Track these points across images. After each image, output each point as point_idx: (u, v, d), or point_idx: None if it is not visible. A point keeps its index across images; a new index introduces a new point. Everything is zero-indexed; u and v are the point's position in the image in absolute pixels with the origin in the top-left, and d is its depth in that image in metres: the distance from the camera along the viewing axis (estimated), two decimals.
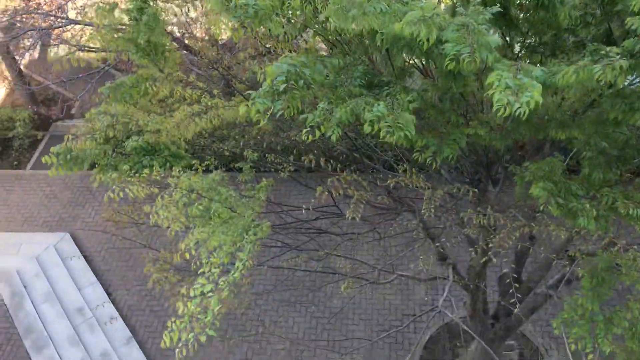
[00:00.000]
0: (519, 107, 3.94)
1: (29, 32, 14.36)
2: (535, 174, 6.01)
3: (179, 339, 5.49)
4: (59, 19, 13.84)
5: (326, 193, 6.55)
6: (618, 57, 4.21)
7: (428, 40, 4.22)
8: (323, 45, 6.07)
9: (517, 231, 6.25)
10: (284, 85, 4.32)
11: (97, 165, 6.76)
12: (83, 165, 6.42)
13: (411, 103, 4.49)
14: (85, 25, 13.63)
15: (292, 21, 5.12)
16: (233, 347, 12.42)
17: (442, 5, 6.53)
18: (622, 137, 5.91)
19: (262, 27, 5.23)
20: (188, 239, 6.06)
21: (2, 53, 16.82)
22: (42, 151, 17.71)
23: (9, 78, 17.53)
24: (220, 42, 14.17)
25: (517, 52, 6.08)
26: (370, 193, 6.71)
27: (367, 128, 4.30)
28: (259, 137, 8.98)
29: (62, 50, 16.11)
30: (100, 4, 6.26)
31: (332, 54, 5.33)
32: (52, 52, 17.75)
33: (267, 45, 6.79)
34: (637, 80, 5.15)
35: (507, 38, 5.92)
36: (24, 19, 14.66)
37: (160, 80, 6.19)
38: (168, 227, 6.43)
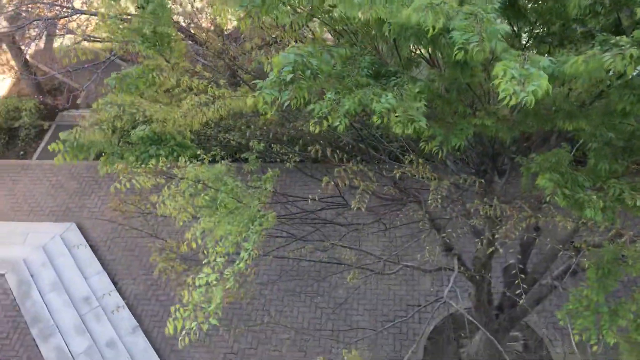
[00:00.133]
0: (525, 96, 3.92)
1: (34, 22, 14.37)
2: (541, 165, 5.99)
3: (183, 327, 5.52)
4: (64, 9, 13.84)
5: (332, 183, 6.55)
6: (628, 46, 4.18)
7: (434, 27, 4.19)
8: (329, 36, 6.05)
9: (524, 222, 6.24)
10: (290, 76, 4.31)
11: (103, 154, 6.78)
12: (89, 153, 6.43)
13: (419, 94, 4.47)
14: (91, 15, 13.62)
15: (299, 10, 5.09)
16: (238, 336, 12.50)
17: None
18: (629, 128, 5.88)
19: (268, 16, 5.22)
20: (194, 228, 6.08)
21: (8, 43, 16.83)
22: (48, 141, 17.76)
23: (15, 68, 17.56)
24: (225, 33, 14.15)
25: (524, 42, 6.04)
26: (376, 184, 6.71)
27: (376, 120, 4.28)
28: (264, 128, 8.99)
29: (68, 40, 16.12)
30: None
31: (339, 43, 5.31)
32: (58, 42, 17.75)
33: (273, 35, 6.77)
34: None
35: (515, 28, 5.89)
36: (30, 9, 14.66)
37: (167, 70, 6.18)
38: (175, 218, 6.45)
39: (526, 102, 3.90)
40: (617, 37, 4.35)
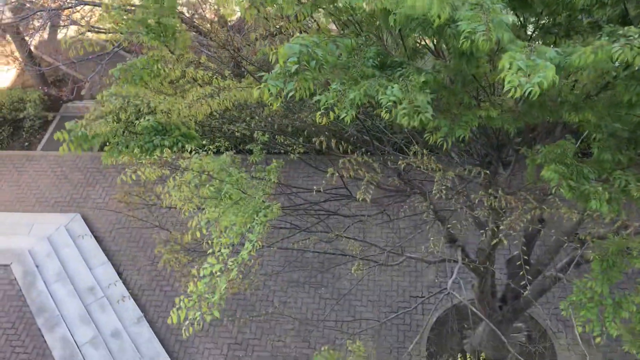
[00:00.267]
0: (530, 87, 3.90)
1: (38, 13, 14.36)
2: (546, 156, 5.98)
3: (186, 317, 5.55)
4: (68, 0, 13.81)
5: (336, 175, 6.55)
6: (637, 36, 4.15)
7: (440, 17, 4.17)
8: (334, 27, 6.03)
9: (528, 214, 6.23)
10: (295, 67, 4.30)
11: (107, 144, 6.78)
12: (93, 143, 6.44)
13: (425, 84, 4.46)
14: (95, 5, 13.60)
15: (304, 1, 5.08)
16: (242, 326, 12.57)
17: None
18: (635, 119, 5.86)
19: (273, 6, 5.20)
20: (199, 218, 6.10)
21: (12, 34, 16.83)
22: (53, 132, 17.80)
23: (19, 59, 17.56)
24: (229, 24, 14.12)
25: (530, 33, 6.00)
26: (380, 175, 6.71)
27: (384, 115, 4.27)
28: (269, 119, 8.98)
29: (72, 31, 16.11)
30: None
31: (344, 34, 5.29)
32: (62, 33, 17.74)
33: (278, 26, 6.75)
34: None
35: (521, 19, 5.85)
36: (34, 0, 14.65)
37: (171, 61, 6.18)
38: (180, 209, 6.47)
39: (531, 93, 3.89)
40: (625, 28, 4.32)
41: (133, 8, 6.54)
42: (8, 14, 15.93)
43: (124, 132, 6.68)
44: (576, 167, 5.76)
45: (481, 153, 8.05)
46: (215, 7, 13.95)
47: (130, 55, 16.76)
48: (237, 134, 9.50)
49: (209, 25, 11.91)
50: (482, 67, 5.27)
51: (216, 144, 8.64)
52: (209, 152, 7.22)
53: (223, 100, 6.23)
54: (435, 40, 5.77)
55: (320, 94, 4.44)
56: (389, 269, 13.19)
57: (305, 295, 13.09)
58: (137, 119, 6.76)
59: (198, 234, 6.26)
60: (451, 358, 10.44)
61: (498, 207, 6.68)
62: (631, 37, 4.16)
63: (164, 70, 6.02)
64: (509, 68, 4.02)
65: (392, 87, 4.29)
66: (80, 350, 12.35)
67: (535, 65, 4.06)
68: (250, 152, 8.61)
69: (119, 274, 13.80)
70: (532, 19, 5.90)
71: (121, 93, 6.45)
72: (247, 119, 9.14)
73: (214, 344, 12.39)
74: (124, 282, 13.62)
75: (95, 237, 14.60)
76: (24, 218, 15.21)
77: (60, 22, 16.46)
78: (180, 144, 6.67)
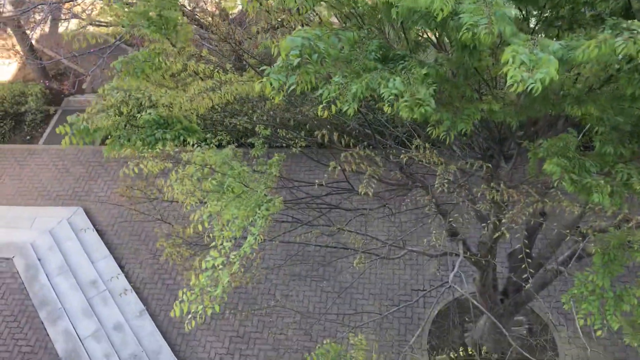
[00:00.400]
0: (532, 84, 3.89)
1: (39, 6, 14.33)
2: (549, 150, 5.97)
3: (189, 311, 5.57)
4: None
5: (338, 168, 6.55)
6: None
7: (442, 10, 4.15)
8: (336, 20, 6.01)
9: (530, 207, 6.23)
10: (298, 60, 4.28)
11: (109, 137, 6.79)
12: (95, 136, 6.44)
13: (427, 77, 4.45)
14: None
15: None
16: (244, 319, 12.61)
17: None
18: (637, 112, 5.84)
19: None
20: (201, 211, 6.11)
21: (13, 27, 16.81)
22: (55, 126, 17.81)
23: (21, 52, 17.55)
24: (231, 17, 14.09)
25: (533, 26, 5.98)
26: (382, 169, 6.71)
27: (387, 109, 4.26)
28: (271, 113, 8.98)
29: (73, 24, 16.08)
30: None
31: (346, 27, 5.28)
32: (63, 26, 17.72)
33: (280, 19, 6.73)
34: None
35: (524, 12, 5.83)
36: None
37: (173, 55, 6.17)
38: (182, 202, 6.48)
39: (533, 89, 3.88)
40: (629, 21, 4.30)
41: (134, 1, 6.53)
42: (9, 7, 15.91)
43: (125, 125, 6.68)
44: (578, 161, 5.76)
45: (483, 146, 8.04)
46: (216, 0, 13.92)
47: (131, 48, 16.75)
48: (238, 127, 9.50)
49: (210, 18, 11.89)
50: (485, 60, 5.26)
51: (218, 137, 8.64)
52: (212, 145, 7.22)
53: (224, 94, 6.23)
54: (437, 33, 5.76)
55: (322, 88, 4.43)
56: (391, 262, 13.22)
57: (307, 288, 13.12)
58: (138, 112, 6.77)
59: (200, 228, 6.27)
60: (452, 351, 10.47)
61: (500, 201, 6.68)
62: (635, 31, 4.14)
63: (165, 64, 6.01)
64: (512, 62, 4.01)
65: (394, 80, 4.28)
66: (82, 344, 12.40)
67: (538, 60, 4.04)
68: (252, 145, 8.61)
69: (121, 268, 13.84)
70: (535, 12, 5.88)
71: (122, 87, 6.45)
72: (249, 112, 9.14)
73: (216, 337, 12.44)
74: (126, 276, 13.67)
75: (97, 231, 14.64)
76: (26, 212, 15.24)
77: (61, 15, 16.43)
78: (182, 138, 6.68)
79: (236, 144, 8.21)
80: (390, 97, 4.25)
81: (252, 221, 5.88)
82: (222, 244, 5.82)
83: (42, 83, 17.98)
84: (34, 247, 14.24)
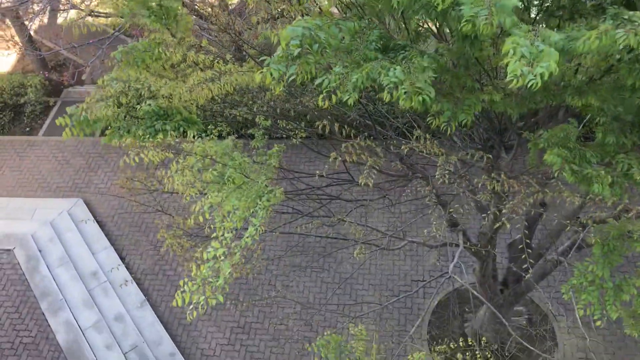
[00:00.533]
0: (532, 79, 3.89)
1: None
2: (549, 140, 5.97)
3: (190, 301, 5.59)
4: None
5: (339, 159, 6.55)
6: None
7: (443, 0, 4.14)
8: (336, 10, 5.99)
9: (531, 197, 6.24)
10: (298, 50, 4.27)
11: (109, 128, 6.79)
12: (96, 126, 6.43)
13: (427, 67, 4.43)
14: None
15: None
16: (245, 310, 12.66)
17: None
18: (638, 102, 5.84)
19: None
20: (202, 202, 6.11)
21: (12, 18, 16.74)
22: (54, 117, 17.79)
23: (19, 43, 17.49)
24: (230, 7, 14.03)
25: (534, 15, 5.96)
26: (383, 159, 6.71)
27: (386, 96, 4.25)
28: (271, 103, 8.96)
29: (72, 15, 16.01)
30: None
31: (347, 17, 5.26)
32: (62, 17, 17.64)
33: (280, 9, 6.71)
34: None
35: (525, 1, 5.80)
36: None
37: (173, 45, 6.15)
38: (182, 194, 6.49)
39: (532, 85, 3.88)
40: (630, 13, 4.28)
41: None
42: None
43: (125, 116, 6.67)
44: (579, 151, 5.76)
45: (483, 137, 8.04)
46: None
47: (131, 39, 16.69)
48: (238, 118, 9.49)
49: (209, 8, 11.85)
50: (486, 50, 5.24)
51: (218, 128, 8.62)
52: (212, 136, 7.21)
53: (224, 85, 6.21)
54: (438, 24, 5.74)
55: (322, 77, 4.42)
56: (391, 253, 13.25)
57: (308, 279, 13.16)
58: (138, 103, 6.76)
59: (201, 219, 6.28)
60: (452, 341, 10.52)
61: (500, 191, 6.69)
62: (636, 23, 4.12)
63: (165, 54, 5.99)
64: (512, 54, 4.00)
65: (395, 69, 4.27)
66: (83, 334, 12.46)
67: (538, 53, 4.03)
68: (252, 136, 8.60)
69: (122, 259, 13.87)
70: (536, 2, 5.86)
71: (122, 77, 6.43)
72: (249, 103, 9.12)
73: (217, 328, 12.49)
74: (127, 267, 13.70)
75: (98, 222, 14.66)
76: (26, 203, 15.25)
77: (60, 6, 16.35)
78: (181, 129, 6.67)
79: (236, 135, 8.21)
80: (390, 85, 4.24)
81: (253, 212, 5.89)
82: (223, 235, 5.83)
83: (41, 74, 17.93)
84: (35, 239, 14.26)
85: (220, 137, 7.83)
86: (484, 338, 11.07)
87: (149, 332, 12.49)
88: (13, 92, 17.51)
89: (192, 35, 6.93)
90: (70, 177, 15.93)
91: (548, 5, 5.82)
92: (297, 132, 9.06)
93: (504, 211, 6.92)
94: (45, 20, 19.81)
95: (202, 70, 6.41)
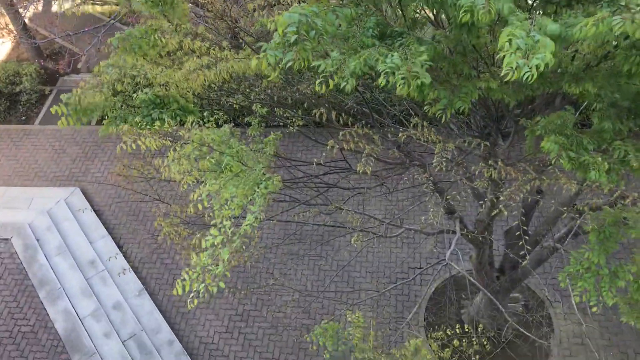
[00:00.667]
0: (528, 71, 3.90)
1: None
2: (546, 127, 5.97)
3: (191, 289, 5.61)
4: None
5: (336, 147, 6.54)
6: (638, 8, 4.12)
7: None
8: None
9: (528, 184, 6.26)
10: (295, 37, 4.26)
11: (106, 118, 6.77)
12: (92, 115, 6.41)
13: (424, 54, 4.43)
14: None
15: None
16: (243, 298, 12.71)
17: None
18: (634, 88, 5.85)
19: None
20: (200, 190, 6.11)
21: (6, 6, 16.61)
22: (50, 106, 17.71)
23: (14, 32, 17.36)
24: None
25: (531, 2, 5.94)
26: (380, 147, 6.71)
27: (381, 81, 4.24)
28: (268, 91, 8.93)
29: (67, 3, 15.88)
30: None
31: (344, 3, 5.23)
32: (57, 4, 17.49)
33: None
34: None
35: None
36: None
37: (169, 31, 6.11)
38: (179, 182, 6.48)
39: (527, 77, 3.89)
40: None
41: None
42: None
43: (121, 105, 6.66)
44: (576, 138, 5.77)
45: (480, 125, 8.04)
46: None
47: (127, 27, 16.58)
48: (235, 106, 9.46)
49: None
50: (483, 37, 5.24)
51: (215, 116, 8.60)
52: (210, 124, 7.19)
53: (220, 71, 6.19)
54: (435, 11, 5.71)
55: (319, 62, 4.40)
56: (388, 240, 13.29)
57: (305, 267, 13.21)
58: (134, 92, 6.74)
59: (200, 207, 6.28)
60: (449, 328, 10.59)
61: (497, 178, 6.70)
62: (633, 10, 4.12)
63: (162, 40, 5.96)
64: (509, 47, 4.00)
65: (392, 56, 4.26)
66: (82, 323, 12.50)
67: (534, 44, 4.03)
68: (249, 124, 8.59)
69: (120, 247, 13.89)
70: None
71: (118, 64, 6.41)
72: (246, 91, 9.09)
73: (215, 316, 12.55)
74: (125, 255, 13.73)
75: (95, 211, 14.66)
76: (23, 192, 15.24)
77: None
78: (178, 118, 6.66)
79: (233, 124, 8.19)
80: (387, 71, 4.23)
81: (251, 200, 5.90)
82: (222, 223, 5.84)
83: (36, 63, 17.83)
84: (32, 228, 14.26)
85: (217, 125, 7.82)
86: (480, 324, 11.15)
87: (147, 320, 12.54)
88: (8, 81, 17.41)
89: (189, 22, 6.89)
90: (67, 166, 15.91)
91: None
92: (294, 120, 9.03)
93: (501, 198, 6.94)
94: (40, 7, 19.66)
95: (199, 57, 6.39)
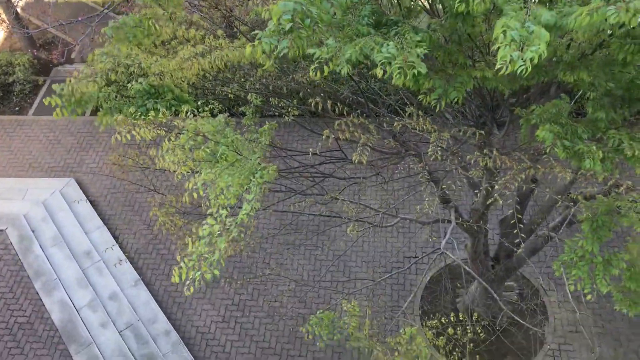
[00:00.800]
0: (522, 65, 3.91)
1: None
2: (541, 116, 5.99)
3: (187, 277, 5.61)
4: None
5: (332, 137, 6.54)
6: None
7: None
8: None
9: (523, 173, 6.28)
10: (290, 25, 4.24)
11: (101, 109, 6.74)
12: (86, 106, 6.38)
13: (420, 43, 4.42)
14: None
15: None
16: (239, 288, 12.74)
17: None
18: (628, 76, 5.86)
19: None
20: (195, 179, 6.10)
21: None
22: (44, 96, 17.61)
23: (6, 21, 17.22)
24: None
25: None
26: (376, 137, 6.71)
27: (379, 72, 4.24)
28: (263, 80, 8.90)
29: None
30: None
31: None
32: None
33: None
34: None
35: None
36: None
37: (164, 20, 6.07)
38: (174, 172, 6.47)
39: (522, 70, 3.90)
40: None
41: None
42: None
43: (116, 96, 6.63)
44: (570, 127, 5.79)
45: (476, 114, 8.05)
46: None
47: (120, 17, 16.47)
48: (230, 96, 9.43)
49: None
50: (478, 26, 5.23)
51: (210, 106, 8.58)
52: (205, 114, 7.17)
53: (215, 59, 6.16)
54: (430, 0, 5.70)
55: (315, 49, 4.39)
56: (384, 230, 13.33)
57: (301, 257, 13.24)
58: (128, 82, 6.70)
59: (195, 196, 6.28)
60: (444, 316, 10.65)
61: (492, 168, 6.72)
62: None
63: (156, 28, 5.92)
64: (503, 39, 4.00)
65: (388, 45, 4.25)
66: (78, 313, 12.52)
67: (529, 35, 4.03)
68: (244, 114, 8.57)
69: (115, 238, 13.88)
70: None
71: (113, 53, 6.37)
72: (241, 80, 9.06)
73: (212, 306, 12.58)
74: (120, 246, 13.72)
75: (90, 202, 14.62)
76: (17, 183, 15.18)
77: None
78: (173, 108, 6.64)
79: (228, 113, 8.16)
80: (384, 61, 4.23)
81: (247, 189, 5.89)
82: (218, 212, 5.84)
83: (29, 53, 17.69)
84: (27, 219, 14.23)
85: (212, 115, 7.80)
86: (475, 313, 11.22)
87: (143, 310, 12.57)
88: (1, 71, 17.30)
89: (184, 11, 6.85)
90: (61, 157, 15.84)
91: None
92: (289, 109, 9.02)
93: (496, 187, 6.96)
94: None
95: (193, 46, 6.35)
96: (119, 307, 12.62)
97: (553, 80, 6.39)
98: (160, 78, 6.72)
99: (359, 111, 7.79)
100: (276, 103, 8.90)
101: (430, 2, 5.83)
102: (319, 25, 4.25)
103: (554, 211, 9.54)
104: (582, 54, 5.90)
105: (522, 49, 3.98)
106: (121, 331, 12.25)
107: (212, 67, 6.26)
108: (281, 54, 4.25)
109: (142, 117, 6.35)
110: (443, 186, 8.29)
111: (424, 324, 11.67)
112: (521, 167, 6.30)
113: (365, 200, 13.68)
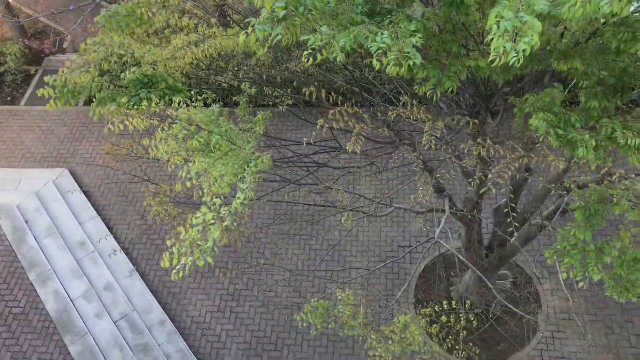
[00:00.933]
0: (515, 56, 3.92)
1: None
2: (535, 105, 6.00)
3: (179, 262, 5.59)
4: None
5: (326, 126, 6.54)
6: None
7: None
8: None
9: (516, 162, 6.30)
10: (283, 12, 4.22)
11: (94, 99, 6.71)
12: (80, 97, 6.35)
13: (415, 32, 4.41)
14: None
15: None
16: (234, 278, 12.77)
17: None
18: (621, 64, 5.88)
19: None
20: (188, 168, 6.09)
21: None
22: (36, 86, 17.47)
23: None
24: None
25: None
26: (370, 126, 6.71)
27: (375, 64, 4.23)
28: (257, 69, 8.87)
29: None
30: None
31: None
32: None
33: None
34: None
35: None
36: None
37: (156, 8, 6.03)
38: (167, 161, 6.45)
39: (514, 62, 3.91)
40: None
41: None
42: None
43: (109, 86, 6.59)
44: (564, 115, 5.80)
45: (469, 103, 8.05)
46: None
47: (113, 5, 16.33)
48: (224, 85, 9.40)
49: None
50: (472, 15, 5.22)
51: (203, 96, 8.56)
52: (198, 103, 7.15)
53: (208, 48, 6.13)
54: None
55: (309, 36, 4.38)
56: (378, 219, 13.37)
57: (296, 246, 13.27)
58: (122, 71, 6.67)
59: (188, 184, 6.27)
60: (438, 304, 10.73)
61: (486, 156, 6.74)
62: None
63: (149, 16, 5.88)
64: (497, 30, 4.00)
65: (382, 34, 4.24)
66: (73, 304, 12.52)
67: (522, 26, 4.04)
68: (237, 104, 8.54)
69: (109, 228, 13.86)
70: None
71: (105, 42, 6.33)
72: (235, 69, 9.02)
73: (206, 296, 12.60)
74: (115, 236, 13.71)
75: (84, 192, 14.58)
76: (10, 174, 15.10)
77: None
78: (167, 98, 6.61)
79: (221, 103, 8.14)
80: (378, 52, 4.23)
81: (241, 178, 5.89)
82: (212, 200, 5.83)
83: (20, 42, 17.53)
84: (20, 209, 14.18)
85: (205, 104, 7.77)
86: (469, 301, 11.30)
87: (138, 300, 12.58)
88: None
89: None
90: (54, 147, 15.76)
91: None
92: (283, 99, 9.00)
93: (489, 176, 6.99)
94: None
95: (186, 34, 6.32)
96: (114, 297, 12.63)
97: (547, 69, 6.40)
98: (153, 67, 6.69)
99: (353, 100, 7.78)
100: (270, 92, 8.88)
101: None
102: (313, 13, 4.23)
103: (547, 200, 9.58)
104: (575, 42, 5.91)
105: (515, 39, 3.98)
106: (116, 321, 12.27)
107: (205, 56, 6.23)
108: (275, 41, 4.23)
109: (135, 106, 6.32)
110: (437, 175, 8.31)
111: (417, 312, 11.75)
112: (515, 156, 6.32)
113: (360, 189, 13.70)
